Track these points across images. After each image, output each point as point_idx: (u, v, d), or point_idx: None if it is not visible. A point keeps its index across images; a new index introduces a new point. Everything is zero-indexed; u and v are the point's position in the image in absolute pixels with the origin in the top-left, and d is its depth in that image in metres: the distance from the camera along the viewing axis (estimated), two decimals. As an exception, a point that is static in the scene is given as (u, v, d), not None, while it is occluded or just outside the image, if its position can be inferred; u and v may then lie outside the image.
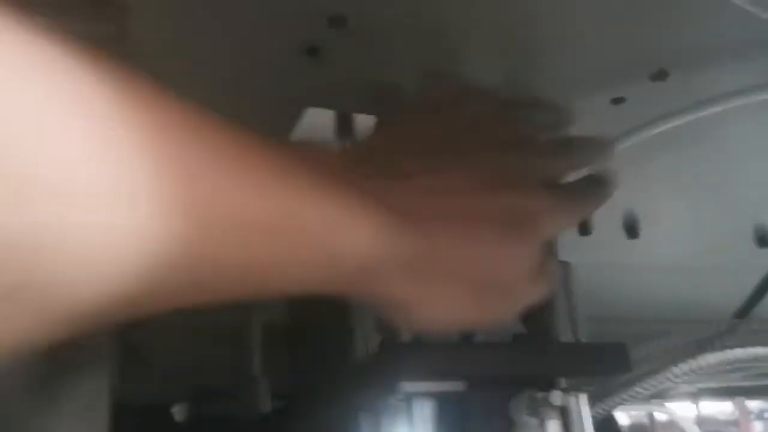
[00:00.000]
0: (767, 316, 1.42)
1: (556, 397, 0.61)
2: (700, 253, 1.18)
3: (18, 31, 0.29)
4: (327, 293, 0.48)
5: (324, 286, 0.47)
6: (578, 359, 0.67)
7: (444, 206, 0.51)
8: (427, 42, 0.68)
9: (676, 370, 0.89)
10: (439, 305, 0.52)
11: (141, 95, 0.34)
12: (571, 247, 1.09)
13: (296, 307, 0.91)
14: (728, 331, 0.85)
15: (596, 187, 0.64)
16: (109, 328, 0.52)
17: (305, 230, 0.42)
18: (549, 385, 0.64)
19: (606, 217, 1.06)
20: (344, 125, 0.86)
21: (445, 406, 0.62)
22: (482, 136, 0.59)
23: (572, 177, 0.65)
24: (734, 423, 2.51)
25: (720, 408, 2.56)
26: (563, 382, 0.66)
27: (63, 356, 0.50)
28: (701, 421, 2.15)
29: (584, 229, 1.04)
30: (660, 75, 0.73)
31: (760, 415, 2.69)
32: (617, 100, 0.77)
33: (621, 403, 0.89)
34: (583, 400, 0.64)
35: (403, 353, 0.63)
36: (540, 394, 0.61)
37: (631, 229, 1.07)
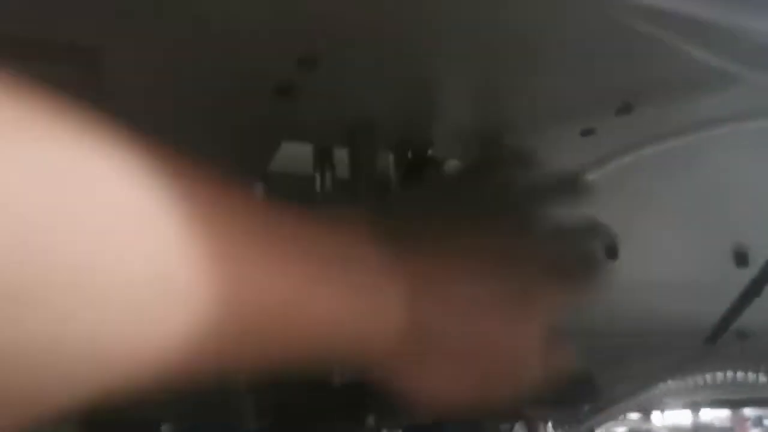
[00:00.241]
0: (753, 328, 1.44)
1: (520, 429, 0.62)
2: (678, 272, 1.19)
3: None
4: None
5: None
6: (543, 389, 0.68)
7: (454, 287, 0.53)
8: (398, 80, 0.70)
9: (650, 393, 0.91)
10: (445, 384, 0.54)
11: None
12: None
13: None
14: (699, 357, 0.86)
15: (592, 263, 0.67)
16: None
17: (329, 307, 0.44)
18: (515, 416, 0.66)
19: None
20: (323, 158, 0.88)
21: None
22: (496, 220, 0.61)
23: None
24: (731, 430, 2.51)
25: (717, 414, 2.56)
26: (529, 410, 0.67)
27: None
28: (698, 429, 2.16)
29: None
30: (625, 108, 0.75)
31: (757, 422, 2.69)
32: (586, 132, 0.79)
33: (600, 424, 0.91)
34: (549, 428, 0.66)
35: (371, 384, 0.65)
36: (504, 426, 0.63)
37: (611, 250, 1.08)
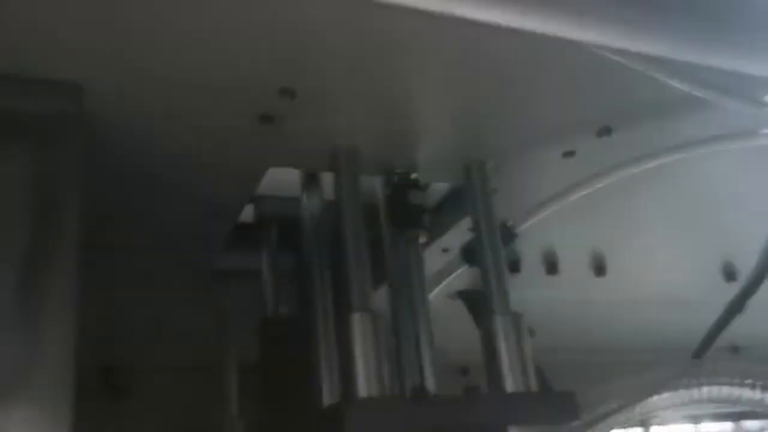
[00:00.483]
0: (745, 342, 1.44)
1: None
2: (668, 289, 1.20)
3: None
4: None
5: None
6: (526, 408, 0.69)
7: None
8: (380, 107, 0.71)
9: (635, 409, 0.91)
10: None
11: None
12: (541, 285, 1.13)
13: (266, 347, 0.93)
14: (685, 372, 0.87)
15: None
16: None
17: None
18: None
19: (574, 257, 1.09)
20: (310, 181, 0.90)
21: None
22: None
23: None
24: (732, 442, 2.51)
25: (719, 428, 2.55)
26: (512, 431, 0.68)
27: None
28: (699, 441, 2.16)
29: (554, 270, 1.07)
30: (605, 131, 0.76)
31: (759, 434, 2.67)
32: (568, 154, 0.80)
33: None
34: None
35: (356, 408, 0.66)
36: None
37: (599, 268, 1.10)
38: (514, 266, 1.05)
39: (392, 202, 0.82)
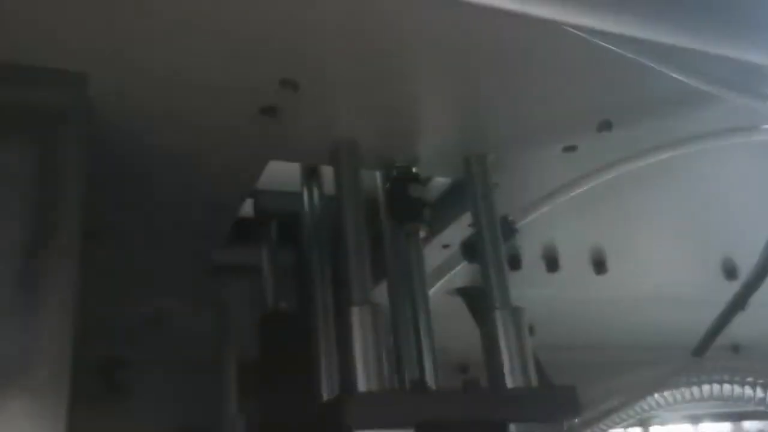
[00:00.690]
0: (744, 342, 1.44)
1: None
2: (669, 286, 1.19)
3: None
4: None
5: None
6: (527, 404, 0.69)
7: None
8: (380, 100, 0.71)
9: (633, 408, 0.91)
10: None
11: None
12: (541, 283, 1.12)
13: (266, 343, 0.93)
14: (685, 370, 0.87)
15: None
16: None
17: None
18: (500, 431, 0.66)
19: (575, 254, 1.09)
20: (310, 175, 0.90)
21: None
22: None
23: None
24: (731, 443, 2.50)
25: (718, 428, 2.55)
26: (513, 427, 0.68)
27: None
28: (698, 442, 2.16)
29: (554, 267, 1.07)
30: (605, 125, 0.76)
31: (757, 435, 2.67)
32: (569, 149, 0.80)
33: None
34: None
35: (356, 401, 0.65)
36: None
37: (600, 265, 1.09)
38: (515, 263, 1.04)
39: (392, 195, 0.82)
